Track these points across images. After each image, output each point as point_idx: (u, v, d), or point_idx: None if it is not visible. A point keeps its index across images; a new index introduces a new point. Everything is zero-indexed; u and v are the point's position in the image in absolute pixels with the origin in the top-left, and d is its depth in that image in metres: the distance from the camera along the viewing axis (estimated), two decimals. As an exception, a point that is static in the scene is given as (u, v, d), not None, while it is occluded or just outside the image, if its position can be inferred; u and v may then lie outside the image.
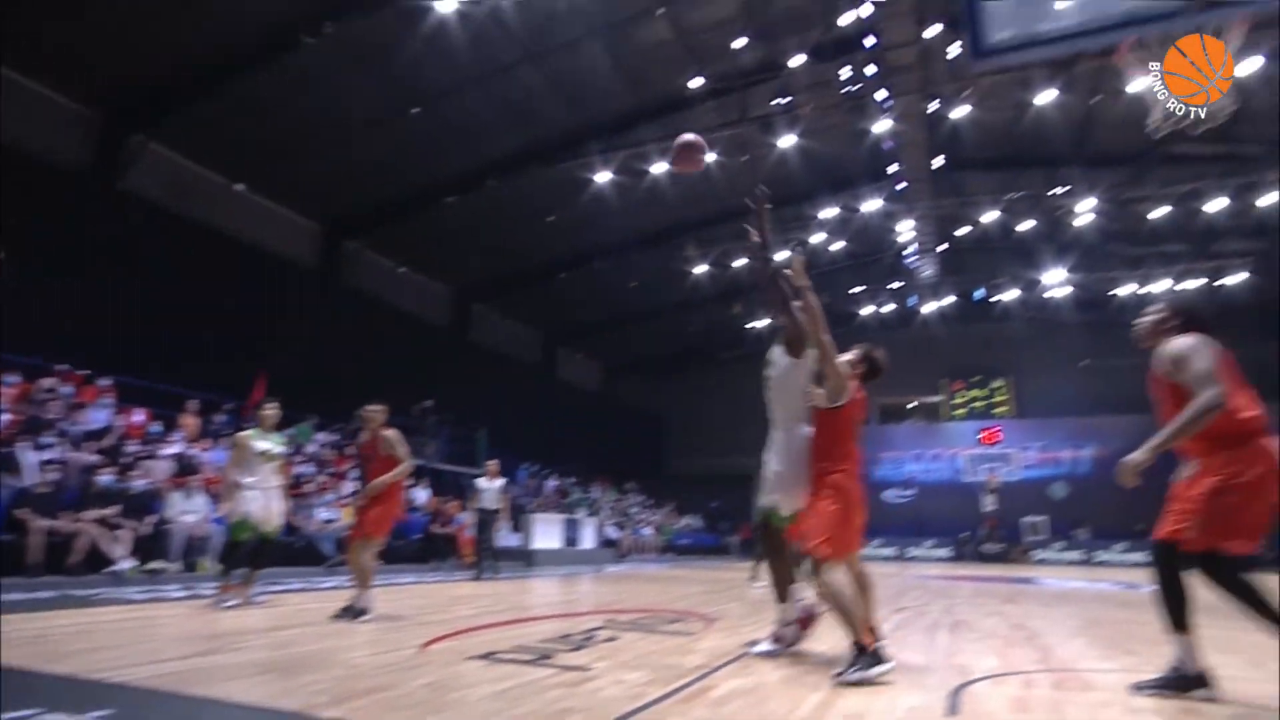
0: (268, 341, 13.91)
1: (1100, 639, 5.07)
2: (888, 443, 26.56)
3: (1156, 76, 3.43)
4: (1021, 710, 2.88)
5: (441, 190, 17.22)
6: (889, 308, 23.93)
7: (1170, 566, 3.09)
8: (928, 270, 22.32)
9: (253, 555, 6.20)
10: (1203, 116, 3.70)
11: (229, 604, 5.66)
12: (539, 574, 12.10)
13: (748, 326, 25.02)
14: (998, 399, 27.24)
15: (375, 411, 5.88)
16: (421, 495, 14.71)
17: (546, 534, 15.70)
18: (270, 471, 6.27)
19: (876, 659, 3.26)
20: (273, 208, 16.41)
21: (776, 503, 3.95)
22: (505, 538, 14.69)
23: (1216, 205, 17.06)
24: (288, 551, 9.84)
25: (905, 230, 19.80)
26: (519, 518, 15.74)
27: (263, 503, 6.15)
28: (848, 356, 3.87)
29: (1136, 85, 3.97)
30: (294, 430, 13.12)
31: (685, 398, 29.82)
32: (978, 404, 27.42)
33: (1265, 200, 16.48)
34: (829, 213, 19.28)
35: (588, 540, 17.47)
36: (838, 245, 20.63)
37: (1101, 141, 16.60)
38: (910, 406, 28.24)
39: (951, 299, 24.08)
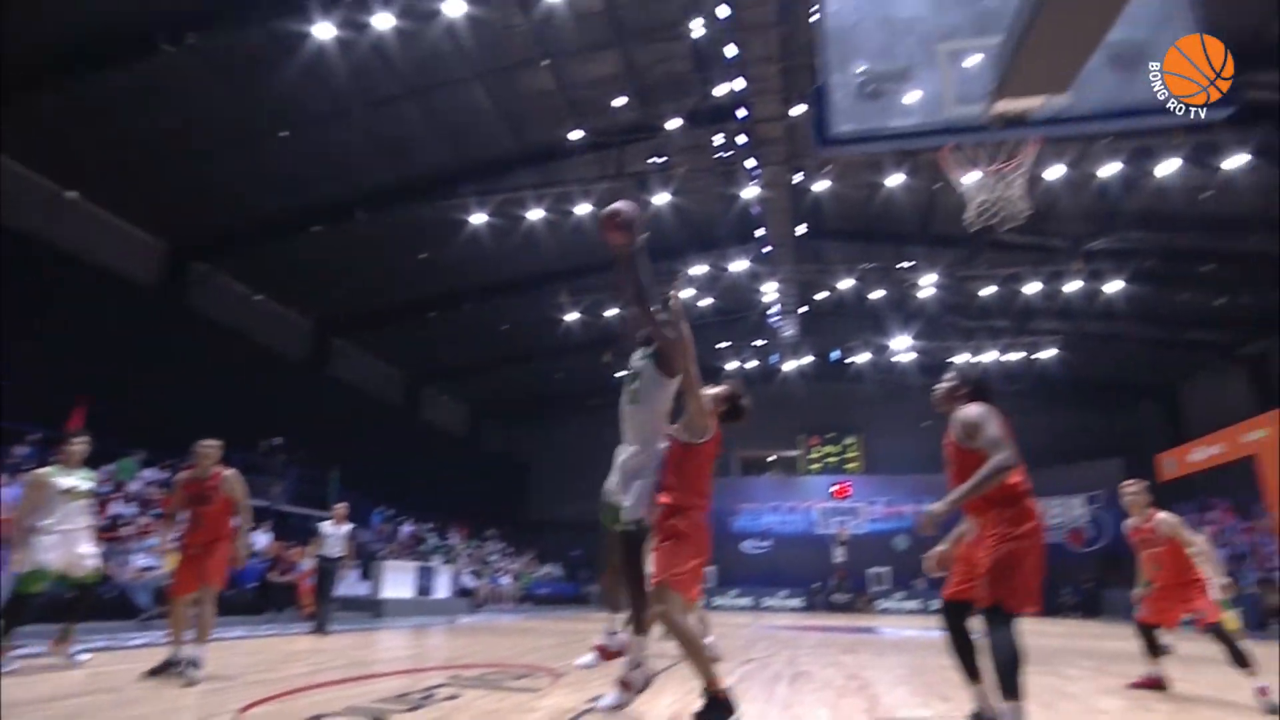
0: (93, 366, 12.59)
1: (922, 686, 5.42)
2: (747, 494, 27.41)
3: (971, 180, 3.86)
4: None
5: (307, 218, 16.50)
6: (752, 364, 25.00)
7: (959, 623, 3.39)
8: (789, 330, 23.55)
9: (70, 607, 5.54)
10: (1007, 217, 4.17)
11: (8, 668, 4.96)
12: (387, 625, 11.47)
13: (617, 375, 25.30)
14: (849, 455, 28.89)
15: (211, 448, 5.47)
16: (262, 539, 13.64)
17: (397, 582, 14.96)
18: (76, 512, 5.64)
19: (728, 708, 3.24)
20: (110, 220, 15.05)
21: (623, 505, 3.68)
22: (353, 586, 13.91)
23: (1032, 289, 19.19)
24: (95, 603, 8.79)
25: (769, 291, 20.88)
26: (369, 565, 14.94)
27: (64, 549, 5.50)
28: (712, 392, 3.82)
29: (959, 181, 4.48)
30: (115, 466, 11.91)
31: (551, 444, 29.57)
32: (831, 459, 28.94)
33: (1070, 287, 18.70)
34: (699, 270, 20.07)
35: (442, 589, 16.79)
36: (706, 301, 21.47)
37: (941, 223, 18.34)
38: (770, 460, 29.39)
39: (810, 359, 25.49)
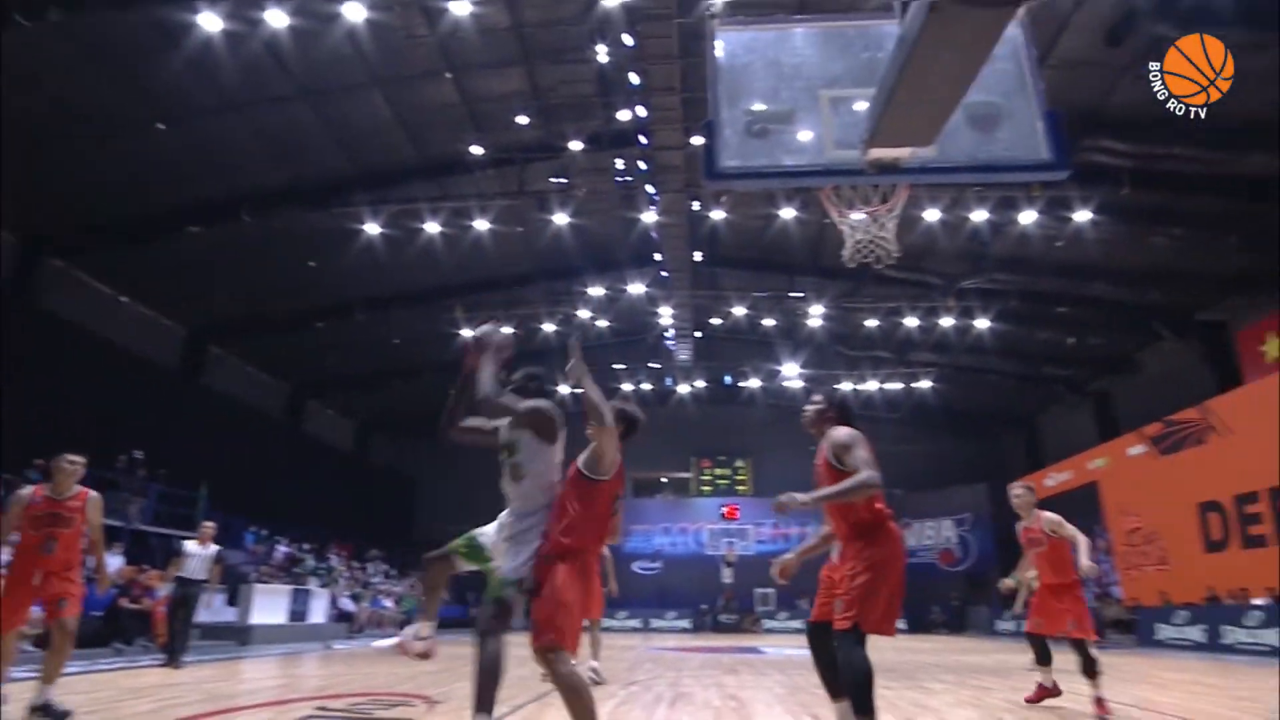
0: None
1: (796, 705, 5.59)
2: (639, 516, 27.56)
3: (848, 219, 4.09)
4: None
5: (185, 217, 15.50)
6: (647, 386, 25.28)
7: (824, 644, 3.55)
8: (684, 354, 23.98)
9: None
10: (880, 256, 4.43)
11: None
12: (254, 654, 10.77)
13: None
14: (739, 477, 29.61)
15: (75, 464, 4.99)
16: (114, 562, 12.53)
17: (268, 607, 14.10)
18: None
19: None
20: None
21: (503, 570, 3.33)
22: (217, 612, 12.99)
23: (911, 322, 20.40)
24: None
25: (665, 315, 21.22)
26: (238, 589, 14.01)
27: None
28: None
29: (839, 220, 4.74)
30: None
31: (441, 461, 28.76)
32: (722, 481, 29.56)
33: (945, 323, 20.01)
34: (597, 291, 20.20)
35: (318, 614, 15.95)
36: (603, 323, 21.64)
37: (830, 256, 19.23)
38: (662, 481, 29.71)
39: (703, 383, 26.02)
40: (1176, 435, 17.55)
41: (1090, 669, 5.13)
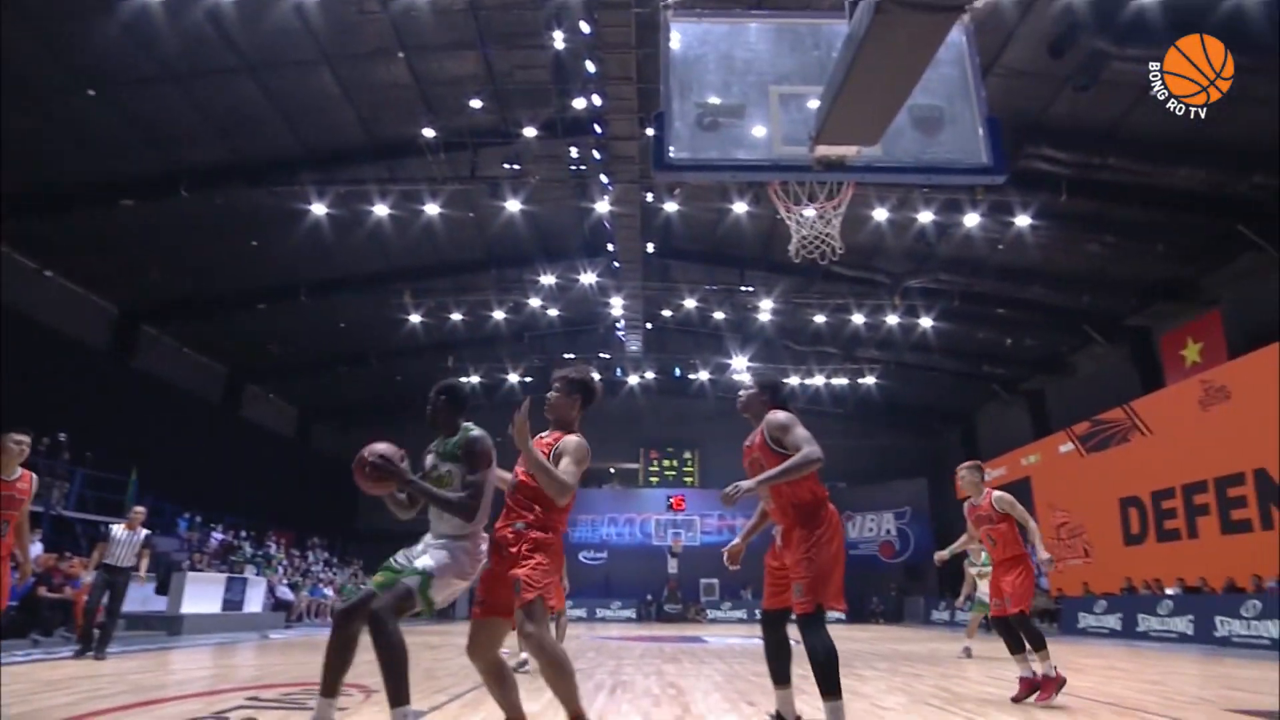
0: None
1: (734, 692, 5.68)
2: (586, 506, 27.58)
3: (793, 217, 4.15)
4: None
5: (118, 190, 14.84)
6: (597, 376, 25.21)
7: (776, 630, 3.60)
8: (634, 345, 24.02)
9: None
10: (825, 253, 4.51)
11: None
12: (185, 644, 10.45)
13: (460, 380, 24.80)
14: (687, 469, 29.85)
15: (23, 443, 4.74)
16: (33, 549, 12.00)
17: (201, 595, 13.65)
18: None
19: None
20: None
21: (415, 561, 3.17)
22: (146, 601, 12.56)
23: (858, 319, 20.82)
24: None
25: (616, 305, 21.22)
26: (169, 576, 13.54)
27: None
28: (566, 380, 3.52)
29: (785, 215, 4.76)
30: None
31: (387, 449, 28.29)
32: (670, 473, 29.76)
33: (890, 320, 20.49)
34: (548, 279, 20.08)
35: (255, 603, 15.52)
36: (554, 312, 21.54)
37: (780, 252, 19.49)
38: (610, 471, 29.76)
39: (653, 374, 26.12)
40: (1103, 434, 18.36)
41: (1023, 644, 5.22)
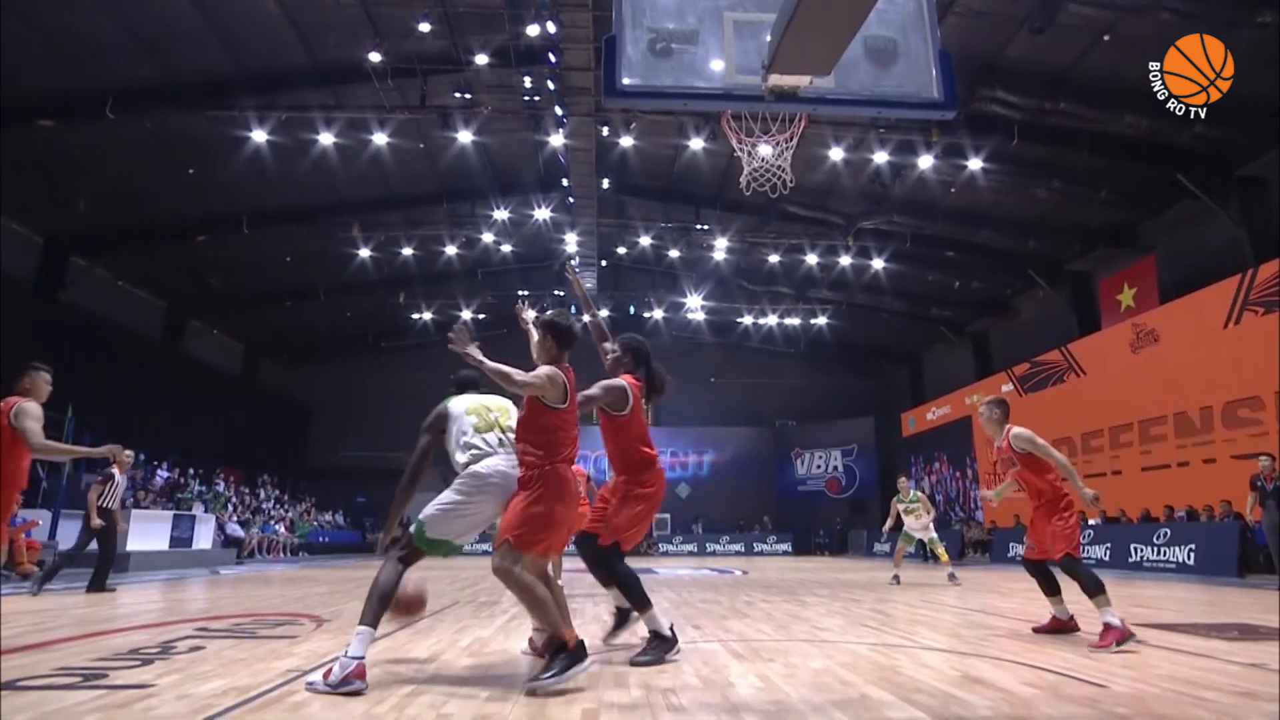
0: None
1: (680, 618, 5.90)
2: (542, 443, 27.69)
3: (745, 148, 4.12)
4: (594, 685, 3.22)
5: (36, 110, 13.91)
6: (550, 314, 25.08)
7: (588, 550, 4.07)
8: (588, 282, 23.86)
9: None
10: (776, 185, 4.50)
11: None
12: (131, 581, 10.34)
13: (413, 317, 24.43)
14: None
15: None
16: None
17: (148, 533, 13.49)
18: None
19: (576, 657, 3.09)
20: None
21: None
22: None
23: (812, 259, 20.98)
24: None
25: (571, 242, 20.96)
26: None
27: None
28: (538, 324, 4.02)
29: (737, 147, 4.74)
30: None
31: (338, 386, 27.87)
32: (625, 410, 29.98)
33: (844, 261, 20.70)
34: (501, 214, 19.69)
35: (204, 539, 15.41)
36: (507, 248, 21.19)
37: (736, 190, 19.38)
38: (564, 409, 29.85)
39: (607, 312, 26.04)
40: (1040, 375, 19.07)
41: (1057, 586, 4.82)
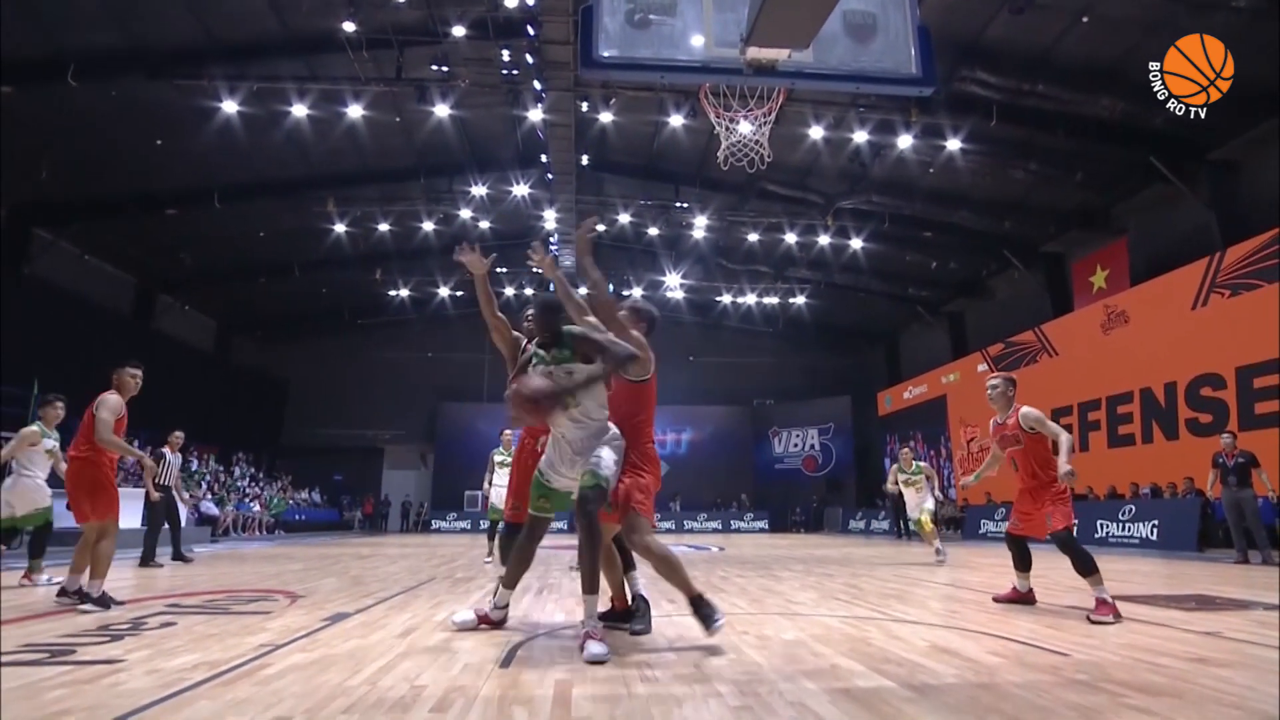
0: None
1: (655, 593, 5.92)
2: (521, 421, 27.66)
3: (723, 122, 4.09)
4: (568, 657, 3.25)
5: (-5, 77, 13.46)
6: (530, 291, 24.98)
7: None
8: (567, 259, 23.71)
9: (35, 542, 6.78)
10: (753, 159, 4.48)
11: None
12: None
13: (390, 294, 24.18)
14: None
15: None
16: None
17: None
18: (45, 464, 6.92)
19: (711, 607, 3.52)
20: None
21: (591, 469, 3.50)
22: (60, 517, 12.13)
23: (791, 239, 21.01)
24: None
25: (550, 219, 20.80)
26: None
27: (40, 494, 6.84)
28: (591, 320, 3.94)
29: (715, 121, 4.71)
30: None
31: (313, 364, 27.56)
32: (604, 389, 30.01)
33: (823, 240, 20.75)
34: (479, 190, 19.47)
35: (177, 518, 15.22)
36: (485, 224, 20.99)
37: (715, 168, 19.29)
38: (544, 387, 29.81)
39: (586, 290, 25.94)
40: (1014, 355, 19.32)
41: (1029, 562, 5.00)
